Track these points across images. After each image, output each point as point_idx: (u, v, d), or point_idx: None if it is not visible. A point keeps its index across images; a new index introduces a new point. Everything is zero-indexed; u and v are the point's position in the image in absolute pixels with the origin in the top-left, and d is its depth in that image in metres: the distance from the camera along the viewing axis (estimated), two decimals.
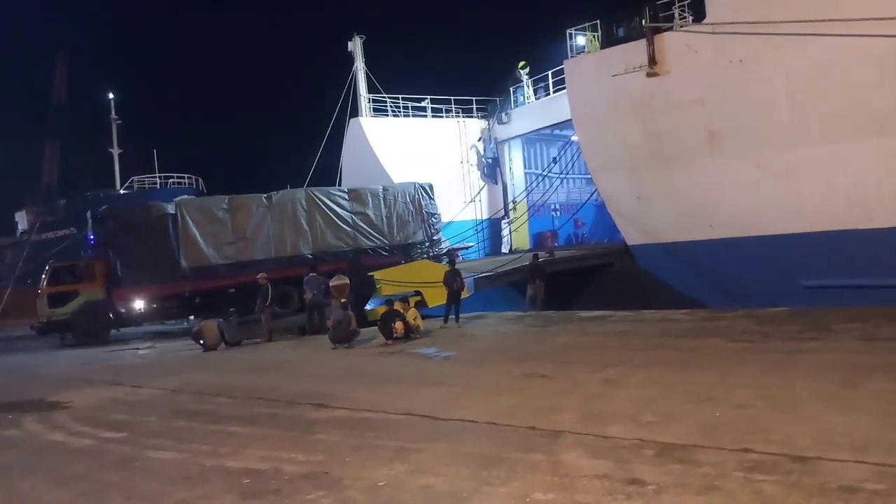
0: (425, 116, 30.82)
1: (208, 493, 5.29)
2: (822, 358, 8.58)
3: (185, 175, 39.87)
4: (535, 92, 30.26)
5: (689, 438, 5.51)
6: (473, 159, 31.01)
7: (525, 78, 30.36)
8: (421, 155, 28.05)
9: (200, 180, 40.04)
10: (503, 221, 30.46)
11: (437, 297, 17.34)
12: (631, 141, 21.95)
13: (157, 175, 40.31)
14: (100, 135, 43.03)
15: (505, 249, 29.78)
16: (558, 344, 12.10)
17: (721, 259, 20.58)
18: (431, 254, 24.12)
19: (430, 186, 25.18)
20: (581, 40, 24.38)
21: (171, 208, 19.87)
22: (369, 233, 22.81)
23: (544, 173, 30.51)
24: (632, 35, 21.69)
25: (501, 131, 30.85)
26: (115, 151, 42.96)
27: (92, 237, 21.67)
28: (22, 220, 42.74)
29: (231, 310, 17.23)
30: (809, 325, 11.14)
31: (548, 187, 29.90)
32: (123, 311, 20.03)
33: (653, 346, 10.72)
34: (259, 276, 16.91)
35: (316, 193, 22.26)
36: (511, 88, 30.68)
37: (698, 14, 20.01)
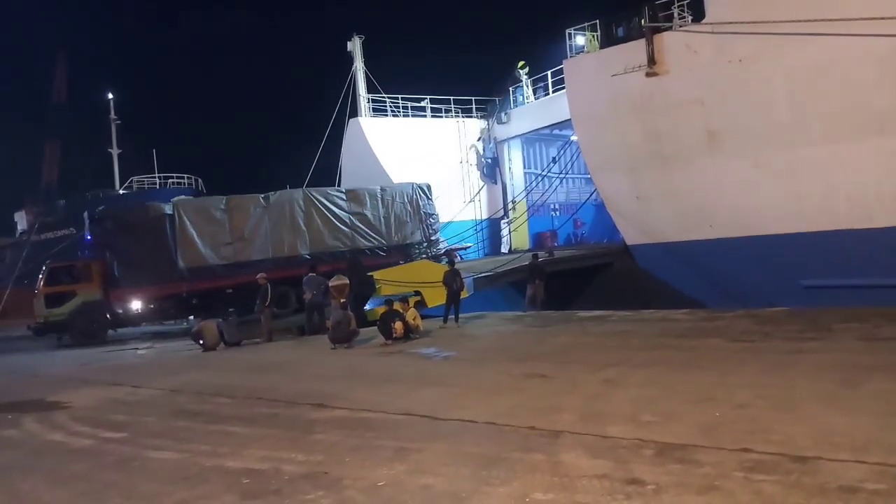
0: (425, 116, 30.82)
1: (208, 493, 5.28)
2: (821, 358, 8.58)
3: (185, 175, 39.87)
4: (535, 92, 30.26)
5: (689, 438, 5.51)
6: (473, 159, 31.02)
7: (524, 78, 30.35)
8: (420, 155, 28.06)
9: (200, 180, 40.06)
10: (503, 221, 30.47)
11: (436, 297, 17.35)
12: (630, 141, 21.95)
13: (157, 175, 40.30)
14: (100, 135, 43.05)
15: (504, 249, 29.79)
16: (558, 344, 12.10)
17: (721, 259, 20.58)
18: (429, 254, 24.12)
19: (428, 187, 25.19)
20: (580, 40, 24.38)
21: (168, 208, 19.84)
22: (367, 233, 22.81)
23: (544, 173, 30.50)
24: (631, 35, 21.68)
25: (501, 131, 30.85)
26: (115, 151, 42.94)
27: (89, 237, 21.66)
28: (22, 220, 42.67)
29: (230, 310, 17.21)
30: (809, 325, 11.14)
31: (547, 187, 29.89)
32: (120, 311, 20.00)
33: (652, 346, 10.72)
34: (259, 276, 16.89)
35: (313, 194, 22.25)
36: (510, 88, 30.69)
37: (698, 14, 20.00)
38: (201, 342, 15.54)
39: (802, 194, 18.62)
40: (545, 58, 28.36)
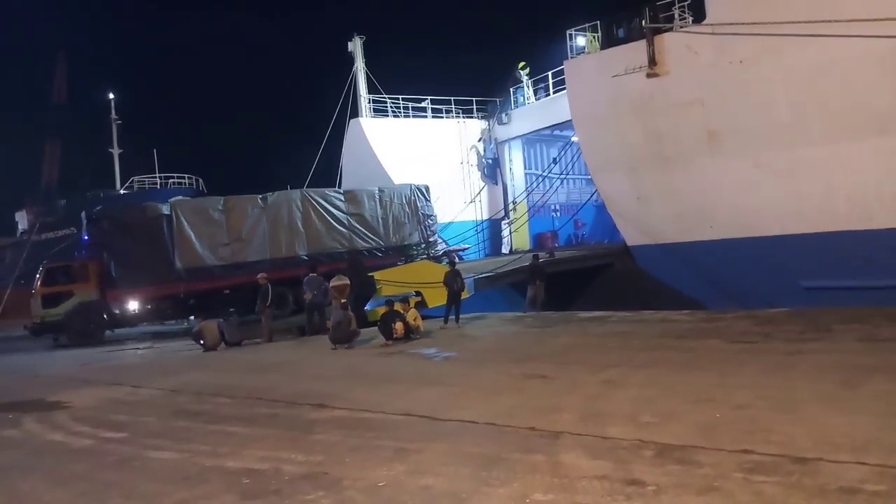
0: (425, 117, 30.83)
1: (208, 493, 5.28)
2: (822, 359, 8.57)
3: (186, 175, 39.92)
4: (536, 92, 30.26)
5: (689, 439, 5.51)
6: (474, 160, 31.01)
7: (525, 78, 30.36)
8: (421, 155, 28.06)
9: (201, 180, 40.11)
10: (503, 222, 30.46)
11: (437, 298, 17.34)
12: (631, 141, 21.95)
13: (158, 175, 40.36)
14: (100, 135, 43.08)
15: (505, 250, 29.77)
16: (558, 344, 12.10)
17: (721, 260, 20.58)
18: (428, 255, 24.12)
19: (427, 188, 25.20)
20: (581, 41, 24.37)
21: (165, 209, 19.79)
22: (365, 234, 22.81)
23: (544, 174, 30.51)
24: (632, 36, 21.69)
25: (501, 132, 30.85)
26: (116, 151, 42.98)
27: (86, 237, 21.63)
28: (22, 220, 42.71)
29: (231, 310, 17.20)
30: (809, 326, 11.13)
31: (548, 188, 29.89)
32: (117, 311, 19.94)
33: (653, 347, 10.71)
34: (259, 276, 16.87)
35: (311, 194, 22.24)
36: (511, 89, 30.68)
37: (698, 15, 20.00)
38: (202, 342, 15.54)
39: (802, 194, 18.63)
40: (546, 58, 28.40)
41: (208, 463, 6.09)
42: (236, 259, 20.27)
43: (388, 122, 29.89)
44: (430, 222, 24.99)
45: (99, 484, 5.80)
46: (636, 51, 21.07)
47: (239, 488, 5.32)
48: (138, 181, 40.13)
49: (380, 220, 23.31)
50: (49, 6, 67.35)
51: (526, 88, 30.37)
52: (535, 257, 21.26)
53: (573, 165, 29.07)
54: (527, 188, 30.16)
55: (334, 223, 22.18)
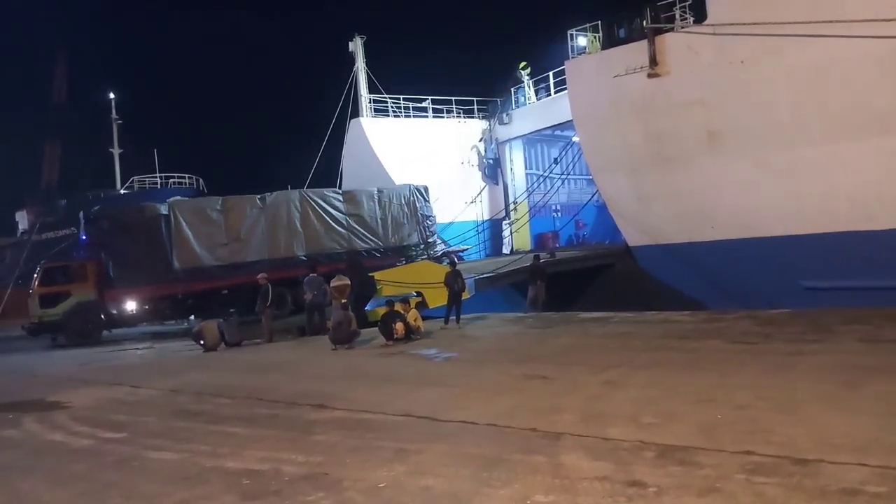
0: (426, 117, 30.83)
1: (208, 493, 5.27)
2: (823, 359, 8.56)
3: (186, 175, 39.91)
4: (536, 93, 30.25)
5: (690, 440, 5.50)
6: (474, 160, 31.00)
7: (526, 78, 30.36)
8: (422, 156, 28.04)
9: (201, 180, 40.09)
10: (504, 222, 30.46)
11: (437, 298, 17.33)
12: (632, 141, 21.95)
13: (158, 175, 40.34)
14: (100, 135, 43.11)
15: (506, 250, 29.76)
16: (559, 345, 12.09)
17: (722, 260, 20.58)
18: (427, 256, 24.11)
19: (426, 188, 25.19)
20: (582, 41, 24.36)
21: (164, 209, 19.76)
22: (364, 234, 22.79)
23: (545, 174, 30.50)
24: (633, 36, 21.69)
25: (502, 132, 30.84)
26: (116, 151, 43.01)
27: (84, 237, 21.61)
28: (22, 220, 42.71)
29: (232, 310, 17.18)
30: (810, 327, 11.12)
31: (549, 188, 29.89)
32: (115, 311, 19.89)
33: (654, 348, 10.70)
34: (259, 276, 16.84)
35: (310, 195, 22.21)
36: (512, 89, 30.68)
37: (699, 15, 20.00)
38: (202, 342, 15.54)
39: (803, 195, 18.62)
40: (546, 58, 28.41)
41: (208, 463, 6.08)
42: (234, 259, 20.23)
43: (389, 122, 29.88)
44: (430, 223, 24.98)
45: (98, 484, 5.80)
46: (637, 51, 21.07)
47: (239, 489, 5.31)
48: (138, 181, 40.13)
49: (378, 220, 23.29)
50: (49, 6, 67.45)
51: (527, 88, 30.37)
52: (536, 258, 21.25)
53: (574, 165, 29.07)
54: (528, 188, 30.16)
55: (333, 224, 22.17)
